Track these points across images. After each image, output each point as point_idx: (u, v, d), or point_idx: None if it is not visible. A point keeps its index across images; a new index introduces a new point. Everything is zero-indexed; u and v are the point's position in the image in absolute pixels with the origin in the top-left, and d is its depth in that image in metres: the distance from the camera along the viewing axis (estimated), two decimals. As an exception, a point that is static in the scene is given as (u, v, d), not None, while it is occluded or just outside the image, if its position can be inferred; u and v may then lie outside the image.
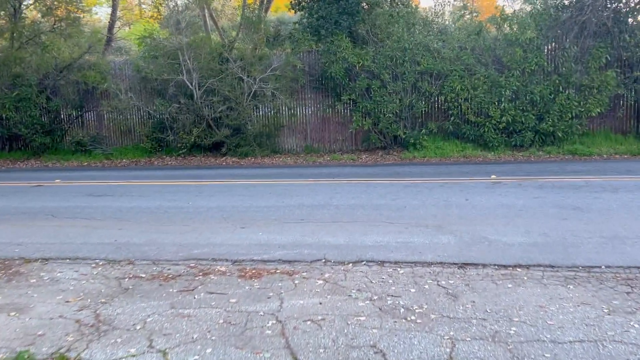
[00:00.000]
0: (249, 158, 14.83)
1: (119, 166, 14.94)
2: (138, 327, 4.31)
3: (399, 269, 5.49)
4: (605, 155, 12.77)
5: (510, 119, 13.56)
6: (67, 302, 4.99)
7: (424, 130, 14.39)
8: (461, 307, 4.47)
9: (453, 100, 14.06)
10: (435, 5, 15.92)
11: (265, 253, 6.16)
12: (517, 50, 13.39)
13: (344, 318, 4.32)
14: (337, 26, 14.63)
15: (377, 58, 14.33)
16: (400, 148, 14.78)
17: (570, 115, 13.40)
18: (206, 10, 17.36)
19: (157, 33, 16.69)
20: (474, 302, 4.58)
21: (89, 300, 5.01)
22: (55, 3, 16.62)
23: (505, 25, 14.20)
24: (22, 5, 16.54)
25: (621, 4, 13.36)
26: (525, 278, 5.13)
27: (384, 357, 3.69)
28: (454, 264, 5.59)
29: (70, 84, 15.81)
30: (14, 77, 15.82)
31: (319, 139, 16.03)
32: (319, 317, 4.35)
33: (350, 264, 5.70)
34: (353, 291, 4.93)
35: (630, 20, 13.53)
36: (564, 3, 13.89)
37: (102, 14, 25.89)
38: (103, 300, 4.99)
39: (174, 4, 17.16)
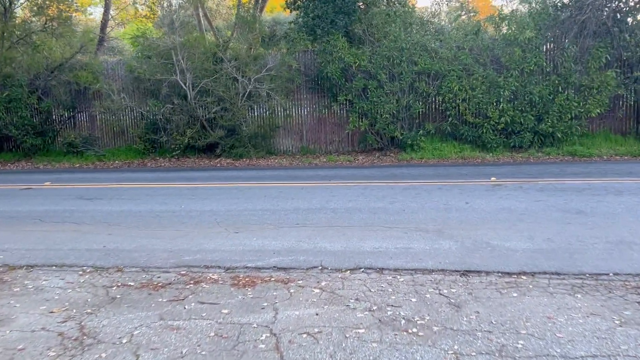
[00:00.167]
0: (244, 159, 14.59)
1: (111, 168, 14.67)
2: (124, 341, 4.08)
3: (398, 277, 5.27)
4: (605, 157, 12.59)
5: (509, 120, 13.36)
6: (52, 312, 4.75)
7: (421, 131, 14.18)
8: (465, 319, 4.25)
9: (451, 100, 13.85)
10: (432, 5, 15.75)
11: (259, 260, 5.93)
12: (515, 50, 13.19)
13: (342, 330, 4.10)
14: (333, 26, 14.41)
15: (374, 58, 14.12)
16: (397, 149, 14.58)
17: (569, 116, 13.22)
18: (200, 10, 17.13)
19: (150, 33, 16.42)
20: (478, 312, 4.36)
21: (74, 310, 4.77)
22: (47, 2, 16.34)
23: (503, 25, 14.00)
24: (12, 4, 16.24)
25: (621, 4, 13.18)
26: (531, 286, 4.91)
27: (385, 374, 3.48)
28: (456, 271, 5.37)
29: (62, 85, 15.54)
30: (4, 77, 15.55)
31: (315, 140, 15.80)
32: (316, 330, 4.13)
33: (348, 272, 5.47)
34: (351, 301, 4.70)
35: (629, 19, 13.35)
36: (563, 2, 13.71)
37: (97, 14, 25.61)
38: (89, 310, 4.76)
39: (167, 3, 16.91)
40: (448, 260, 5.65)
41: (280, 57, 14.73)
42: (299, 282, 5.23)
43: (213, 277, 5.50)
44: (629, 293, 4.66)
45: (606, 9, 13.11)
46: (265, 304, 4.69)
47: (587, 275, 5.13)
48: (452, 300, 4.64)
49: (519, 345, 3.76)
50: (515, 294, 4.74)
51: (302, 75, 15.36)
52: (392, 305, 4.57)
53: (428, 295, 4.78)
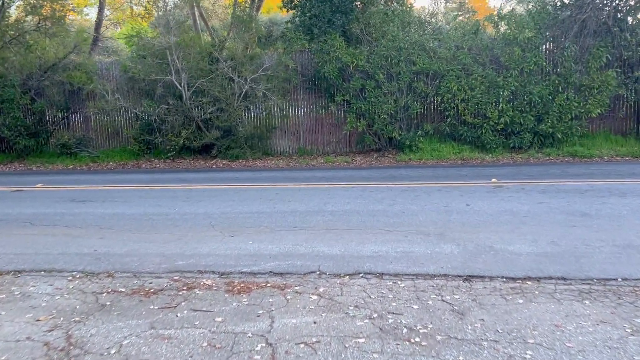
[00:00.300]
0: (240, 161, 14.39)
1: (105, 169, 14.45)
2: (112, 352, 3.88)
3: (399, 282, 5.09)
4: (606, 157, 12.43)
5: (508, 120, 13.20)
6: (38, 320, 4.55)
7: (419, 132, 14.01)
8: (469, 327, 4.07)
9: (449, 101, 13.68)
10: (430, 5, 15.61)
11: (255, 264, 5.73)
12: (515, 49, 13.03)
13: (341, 340, 3.91)
14: (330, 25, 14.23)
15: (372, 58, 13.94)
16: (396, 150, 14.40)
17: (569, 116, 13.06)
18: (196, 9, 16.92)
19: (145, 32, 16.20)
20: (483, 320, 4.18)
21: (62, 318, 4.57)
22: (40, 2, 16.10)
23: (502, 24, 13.84)
24: (5, 4, 16.00)
25: (621, 2, 13.03)
26: (537, 292, 4.73)
27: (387, 389, 3.29)
28: (459, 276, 5.18)
29: (55, 85, 15.31)
30: (-4, 77, 15.32)
31: (312, 140, 15.62)
32: (314, 340, 3.93)
33: (347, 277, 5.28)
34: (350, 308, 4.52)
35: (629, 19, 13.20)
36: (563, 1, 13.55)
37: (93, 15, 25.37)
38: (77, 318, 4.56)
39: (163, 2, 16.70)
40: (450, 264, 5.46)
41: (277, 56, 14.54)
42: (296, 288, 5.04)
43: (207, 282, 5.30)
44: (639, 299, 4.48)
45: (607, 8, 12.96)
46: (261, 312, 4.50)
47: (595, 280, 4.95)
48: (455, 307, 4.45)
49: (527, 356, 3.58)
50: (520, 301, 4.56)
51: (299, 75, 15.18)
52: (393, 313, 4.39)
53: (430, 302, 4.59)
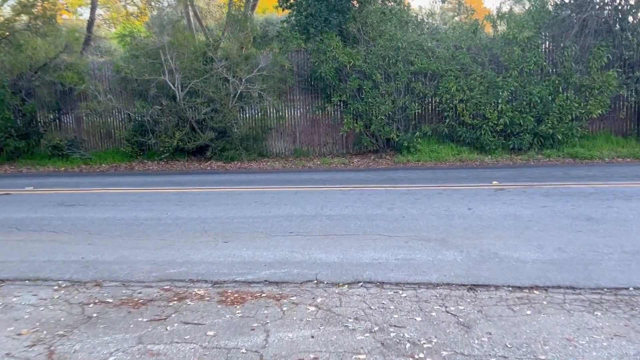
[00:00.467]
0: (235, 162, 14.13)
1: (97, 171, 14.16)
2: (96, 370, 3.63)
3: (400, 292, 4.85)
4: (607, 159, 12.24)
5: (508, 121, 12.99)
6: (19, 334, 4.30)
7: (417, 133, 13.78)
8: (476, 341, 3.84)
9: (448, 101, 13.46)
10: (429, 4, 15.39)
11: (249, 273, 5.48)
12: (515, 49, 12.82)
13: (341, 356, 3.67)
14: (326, 24, 14.00)
15: (369, 57, 13.71)
16: (393, 151, 14.17)
17: (570, 117, 12.86)
18: (190, 9, 16.65)
19: (138, 32, 15.92)
20: (490, 334, 3.95)
21: (45, 332, 4.33)
22: (32, 0, 15.79)
23: (501, 23, 13.63)
24: (-4, 3, 15.74)
25: (622, 1, 12.82)
26: (545, 302, 4.51)
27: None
28: (463, 285, 4.95)
29: (46, 85, 15.01)
30: (-15, 78, 15.01)
31: (308, 142, 15.37)
32: (311, 356, 3.69)
33: (346, 286, 5.04)
34: (350, 320, 4.28)
35: (630, 18, 13.00)
36: (563, 1, 13.33)
37: (87, 14, 25.03)
38: (61, 332, 4.31)
39: (157, 2, 16.43)
40: (453, 272, 5.23)
41: (273, 56, 14.28)
42: (293, 298, 4.80)
43: (199, 292, 5.06)
44: (653, 310, 4.26)
45: (607, 7, 12.76)
46: (256, 325, 4.26)
47: (605, 289, 4.73)
48: (460, 320, 4.22)
49: (540, 375, 3.35)
50: (528, 312, 4.33)
51: (295, 76, 14.94)
52: (395, 326, 4.15)
53: (434, 314, 4.36)
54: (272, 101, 14.23)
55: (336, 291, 4.93)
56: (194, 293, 5.05)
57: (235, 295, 4.94)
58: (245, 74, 13.89)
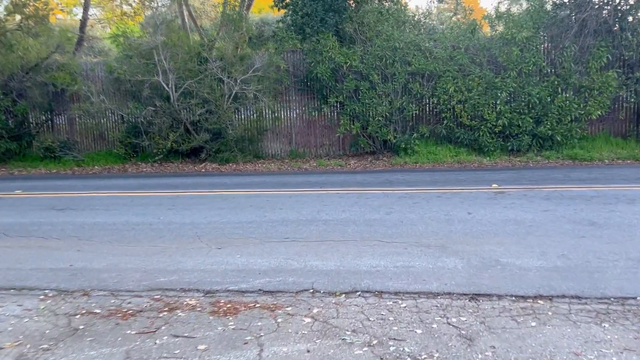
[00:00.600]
0: (230, 164, 13.92)
1: (90, 174, 13.93)
2: (80, 389, 3.44)
3: (400, 302, 4.67)
4: (607, 161, 12.07)
5: (506, 122, 12.82)
6: (1, 348, 4.10)
7: (415, 135, 13.60)
8: (480, 356, 3.67)
9: (446, 102, 13.29)
10: (426, 4, 15.22)
11: (243, 281, 5.29)
12: (513, 49, 12.65)
13: (338, 373, 3.49)
14: (323, 24, 13.81)
15: (366, 58, 13.53)
16: (391, 153, 13.99)
17: (569, 118, 12.70)
18: (184, 8, 16.43)
19: (132, 32, 15.70)
20: (494, 347, 3.77)
21: (29, 345, 4.14)
22: (24, 0, 15.54)
23: (500, 23, 13.46)
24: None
25: (622, 1, 12.67)
26: (550, 313, 4.33)
27: None
28: (464, 294, 4.77)
29: (38, 86, 14.76)
30: (-24, 78, 14.77)
31: (304, 143, 15.18)
32: (307, 373, 3.51)
33: (343, 296, 4.86)
34: (347, 333, 4.10)
35: (630, 18, 12.85)
36: (562, 0, 13.17)
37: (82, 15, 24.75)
38: (45, 346, 4.12)
39: (151, 2, 16.21)
40: (454, 281, 5.05)
41: (268, 57, 14.07)
42: (288, 309, 4.62)
43: (190, 302, 4.87)
44: (664, 322, 4.09)
45: (607, 6, 12.61)
46: (249, 338, 4.07)
47: (612, 299, 4.56)
48: (462, 332, 4.05)
49: (549, 394, 3.17)
50: (533, 323, 4.16)
51: (291, 76, 14.75)
52: (394, 339, 3.97)
53: (435, 325, 4.18)
54: (267, 102, 14.04)
55: (333, 301, 4.75)
56: (185, 303, 4.86)
57: (228, 305, 4.75)
58: (241, 75, 13.69)
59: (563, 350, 3.70)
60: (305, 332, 4.13)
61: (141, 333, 4.28)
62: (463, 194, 8.89)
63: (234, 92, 13.74)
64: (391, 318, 4.35)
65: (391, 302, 4.67)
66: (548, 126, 12.65)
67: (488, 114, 12.90)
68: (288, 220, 7.52)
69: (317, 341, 3.98)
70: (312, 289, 5.04)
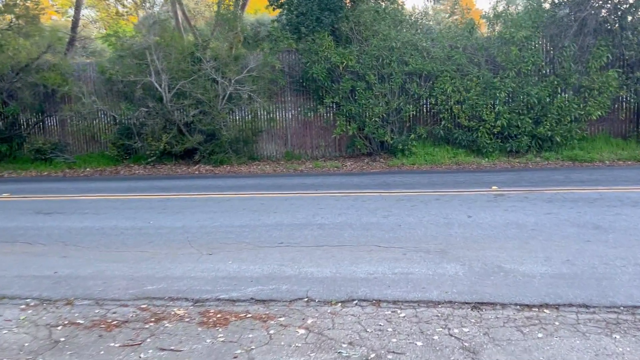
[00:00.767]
0: (224, 166, 13.67)
1: (81, 176, 13.64)
2: (56, 409, 3.20)
3: (398, 311, 4.45)
4: (607, 162, 11.87)
5: (505, 123, 12.59)
6: (-25, 364, 3.86)
7: (412, 136, 13.37)
8: (485, 371, 3.43)
9: (444, 103, 13.07)
10: (423, 2, 15.03)
11: (234, 289, 5.05)
12: (512, 49, 12.44)
13: (334, 391, 3.26)
14: (318, 23, 13.58)
15: (362, 58, 13.30)
16: (388, 154, 13.76)
17: (569, 119, 12.49)
18: (178, 7, 16.18)
19: (124, 32, 15.44)
20: (499, 362, 3.55)
21: (5, 360, 3.89)
22: (13, 0, 15.27)
23: (498, 22, 13.26)
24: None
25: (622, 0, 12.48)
26: (557, 323, 4.12)
27: None
28: (466, 303, 4.55)
29: (28, 87, 14.47)
30: (-35, 79, 14.47)
31: (300, 144, 14.94)
32: (300, 391, 3.28)
33: (339, 304, 4.63)
34: (343, 345, 3.87)
35: (629, 17, 12.66)
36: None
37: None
38: (23, 360, 3.88)
39: (148, 3, 15.95)
40: (455, 288, 4.82)
41: (263, 57, 13.81)
42: (281, 319, 4.38)
43: (178, 312, 4.63)
44: (678, 333, 3.87)
45: (607, 5, 12.41)
46: (239, 351, 3.84)
47: (622, 308, 4.34)
48: (465, 344, 3.82)
49: (560, 414, 2.94)
50: (540, 335, 3.94)
51: (286, 77, 14.51)
52: (393, 352, 3.75)
53: (436, 337, 3.96)
54: (262, 103, 13.79)
55: (328, 310, 4.52)
56: (172, 313, 4.62)
57: (218, 315, 4.52)
58: (235, 75, 13.44)
59: (573, 364, 3.48)
60: (299, 345, 3.90)
61: (125, 346, 4.04)
62: (462, 196, 8.66)
63: (228, 92, 13.49)
64: (390, 329, 4.13)
65: (389, 312, 4.44)
66: (547, 127, 12.44)
67: (486, 114, 12.68)
68: (282, 224, 7.28)
69: (311, 355, 3.75)
70: (307, 297, 4.80)
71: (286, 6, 14.42)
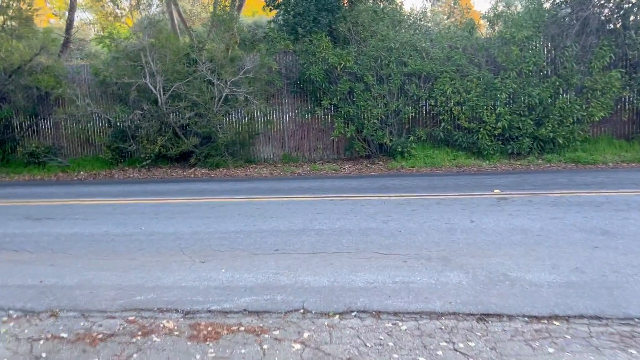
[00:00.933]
0: (221, 169, 13.42)
1: (74, 180, 13.39)
2: None
3: (400, 324, 4.21)
4: (610, 164, 11.63)
5: (506, 125, 12.37)
6: (-51, 382, 3.61)
7: (412, 138, 13.13)
8: (493, 391, 3.19)
9: (443, 104, 12.85)
10: (421, 2, 14.81)
11: (227, 300, 4.80)
12: (513, 49, 12.22)
13: (331, 414, 3.01)
14: (315, 24, 13.36)
15: (360, 59, 13.08)
16: (387, 157, 13.53)
17: (571, 120, 12.27)
18: (174, 8, 15.94)
19: (117, 33, 15.19)
20: (508, 380, 3.30)
21: (-19, 378, 3.64)
22: (8, 1, 15.01)
23: (498, 22, 13.03)
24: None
25: (624, -1, 12.28)
26: (568, 337, 3.88)
27: None
28: (471, 314, 4.31)
29: (21, 89, 14.24)
30: (-42, 82, 14.23)
31: (297, 147, 14.71)
32: (295, 414, 3.03)
33: (337, 316, 4.39)
34: (342, 362, 3.62)
35: (632, 17, 12.44)
36: (564, -1, 12.78)
37: (76, 18, 24.21)
38: (0, 378, 3.63)
39: (145, 5, 15.71)
40: (459, 299, 4.57)
41: (260, 58, 13.58)
42: (275, 332, 4.14)
43: (167, 325, 4.38)
44: (698, 348, 3.63)
45: (610, 4, 12.19)
46: (230, 369, 3.59)
47: (636, 319, 4.11)
48: (471, 360, 3.58)
49: None
50: (551, 350, 3.70)
51: (283, 78, 14.28)
52: (395, 369, 3.50)
53: (440, 352, 3.72)
54: (259, 105, 13.55)
55: (326, 323, 4.27)
56: (161, 326, 4.37)
57: (209, 328, 4.27)
58: (231, 77, 13.21)
59: (587, 382, 3.24)
60: (294, 362, 3.66)
61: (110, 363, 3.80)
62: (464, 200, 8.42)
63: (224, 94, 13.25)
64: (391, 343, 3.89)
65: (390, 324, 4.20)
66: (549, 128, 12.22)
67: (487, 116, 12.46)
68: (279, 230, 7.03)
69: (307, 373, 3.51)
70: (303, 308, 4.56)
71: (283, 6, 14.22)
